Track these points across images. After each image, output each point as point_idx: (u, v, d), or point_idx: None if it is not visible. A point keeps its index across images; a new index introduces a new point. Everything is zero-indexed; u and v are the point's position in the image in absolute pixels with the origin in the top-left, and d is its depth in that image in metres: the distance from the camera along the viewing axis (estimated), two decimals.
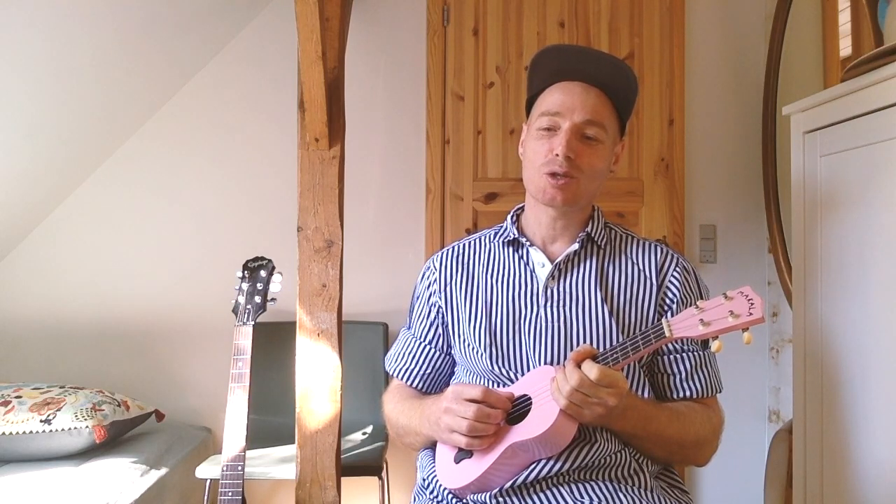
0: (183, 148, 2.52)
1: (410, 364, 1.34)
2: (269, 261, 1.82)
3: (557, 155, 1.16)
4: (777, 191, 2.34)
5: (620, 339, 1.16)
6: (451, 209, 2.47)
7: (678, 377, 1.20)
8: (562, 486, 1.11)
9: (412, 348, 1.34)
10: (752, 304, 0.96)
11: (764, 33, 2.47)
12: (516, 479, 1.11)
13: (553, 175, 1.17)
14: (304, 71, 1.73)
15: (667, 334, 1.01)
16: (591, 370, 1.00)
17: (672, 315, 1.10)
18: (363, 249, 2.48)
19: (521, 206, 1.34)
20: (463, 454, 1.13)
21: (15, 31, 1.75)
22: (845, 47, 1.94)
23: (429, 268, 1.35)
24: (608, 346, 1.13)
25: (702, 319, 0.98)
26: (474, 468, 1.10)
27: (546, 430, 1.03)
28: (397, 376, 1.36)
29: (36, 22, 1.77)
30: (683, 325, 1.01)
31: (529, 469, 1.11)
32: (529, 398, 1.10)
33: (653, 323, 1.18)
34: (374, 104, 2.51)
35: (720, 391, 1.24)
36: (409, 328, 1.38)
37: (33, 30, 1.79)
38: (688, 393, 1.20)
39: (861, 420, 1.39)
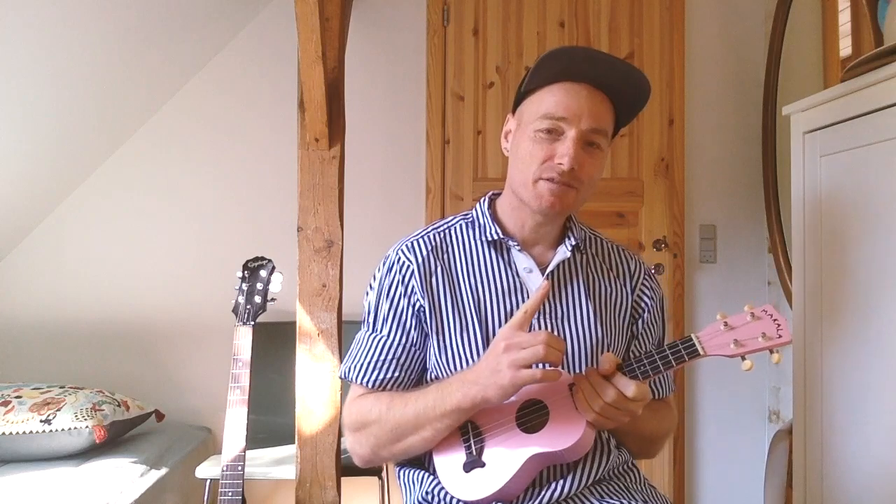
0: (183, 148, 2.52)
1: (398, 373, 1.14)
2: (269, 261, 1.82)
3: (561, 164, 1.07)
4: (777, 191, 2.34)
5: (605, 350, 1.13)
6: (451, 209, 2.47)
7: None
8: (575, 501, 1.11)
9: (397, 354, 1.15)
10: (779, 326, 1.00)
11: (764, 33, 2.47)
12: (536, 500, 1.08)
13: (551, 180, 1.09)
14: (304, 71, 1.73)
15: (700, 353, 1.01)
16: (628, 387, 1.00)
17: (652, 329, 1.21)
18: (363, 249, 2.47)
19: (494, 193, 1.24)
20: (472, 463, 1.06)
21: (15, 32, 1.75)
22: (845, 47, 1.94)
23: (399, 260, 1.18)
24: (597, 356, 1.12)
25: (736, 340, 1.00)
26: (494, 479, 1.05)
27: (574, 443, 1.03)
28: (381, 389, 1.14)
29: (35, 22, 1.77)
30: (715, 342, 1.01)
31: (551, 489, 1.08)
32: (542, 403, 1.06)
33: (625, 331, 1.19)
34: (374, 104, 2.51)
35: (674, 391, 1.29)
36: (373, 332, 1.18)
37: (33, 30, 1.79)
38: (655, 394, 1.21)
39: (861, 420, 1.39)
